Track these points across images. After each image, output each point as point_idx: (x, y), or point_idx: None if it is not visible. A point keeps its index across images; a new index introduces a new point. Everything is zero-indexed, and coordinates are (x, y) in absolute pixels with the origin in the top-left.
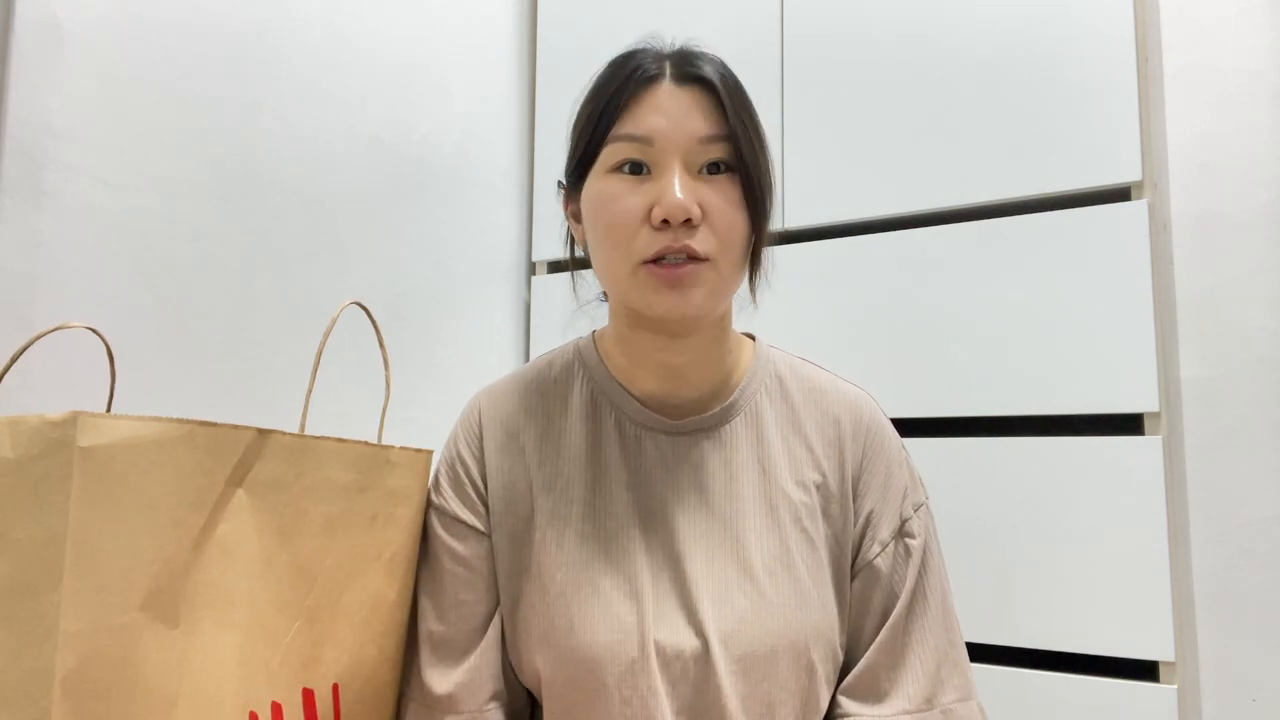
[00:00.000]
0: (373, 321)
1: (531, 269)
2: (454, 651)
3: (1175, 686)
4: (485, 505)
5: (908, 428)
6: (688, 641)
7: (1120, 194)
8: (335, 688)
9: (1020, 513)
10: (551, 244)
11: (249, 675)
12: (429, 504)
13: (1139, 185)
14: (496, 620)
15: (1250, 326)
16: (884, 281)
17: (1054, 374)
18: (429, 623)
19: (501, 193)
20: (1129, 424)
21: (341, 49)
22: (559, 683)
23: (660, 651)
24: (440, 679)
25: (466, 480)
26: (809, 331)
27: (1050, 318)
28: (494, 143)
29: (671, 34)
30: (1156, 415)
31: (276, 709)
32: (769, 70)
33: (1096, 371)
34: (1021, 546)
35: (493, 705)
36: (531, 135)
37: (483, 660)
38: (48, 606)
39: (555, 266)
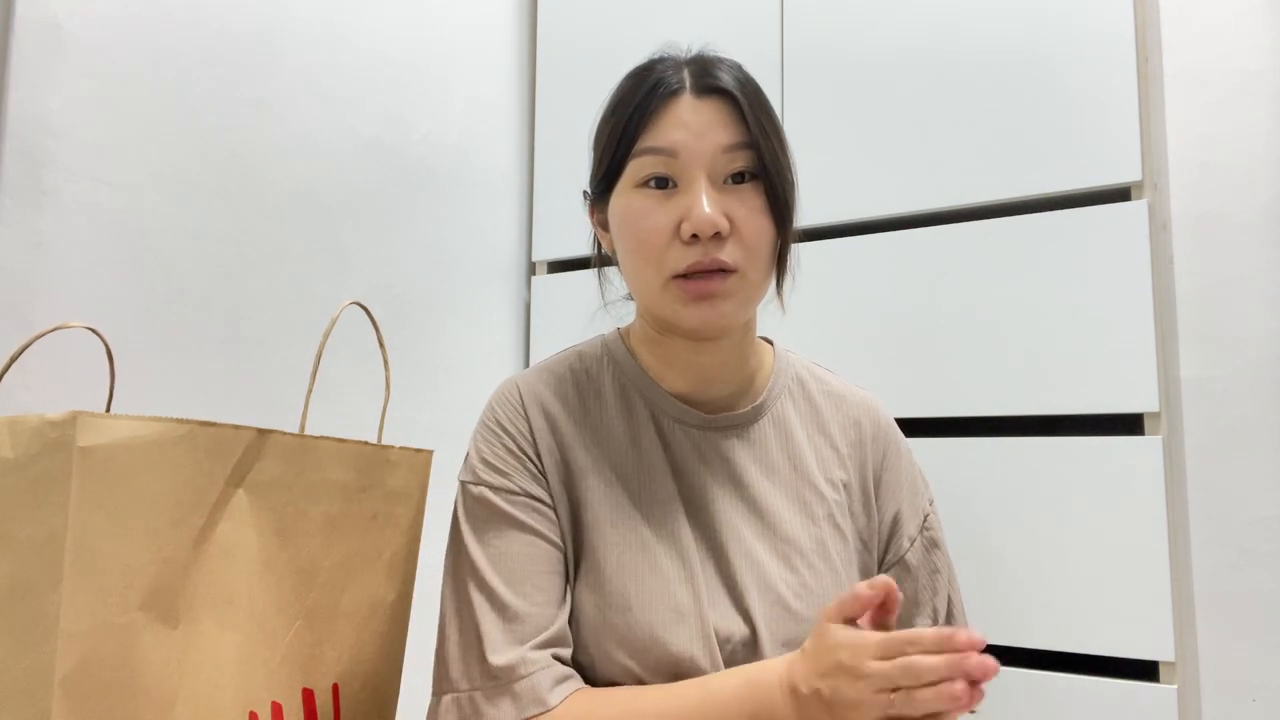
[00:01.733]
0: (373, 321)
1: (531, 269)
2: (531, 625)
3: (1175, 686)
4: (545, 478)
5: (908, 427)
6: (737, 627)
7: (1120, 194)
8: (335, 688)
9: (1020, 513)
10: (552, 244)
11: (249, 675)
12: (484, 486)
13: (1139, 185)
14: (569, 594)
15: (1250, 326)
16: (883, 282)
17: (1054, 374)
18: (503, 597)
19: (501, 193)
20: (1129, 424)
21: (341, 49)
22: (622, 659)
23: (715, 633)
24: (512, 649)
25: (523, 455)
26: (808, 331)
27: (1050, 318)
28: (494, 143)
29: (673, 35)
30: (1156, 415)
31: (276, 709)
32: (769, 71)
33: (1096, 371)
34: (1021, 546)
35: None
36: (531, 135)
37: (556, 636)
38: (48, 606)
39: (555, 266)
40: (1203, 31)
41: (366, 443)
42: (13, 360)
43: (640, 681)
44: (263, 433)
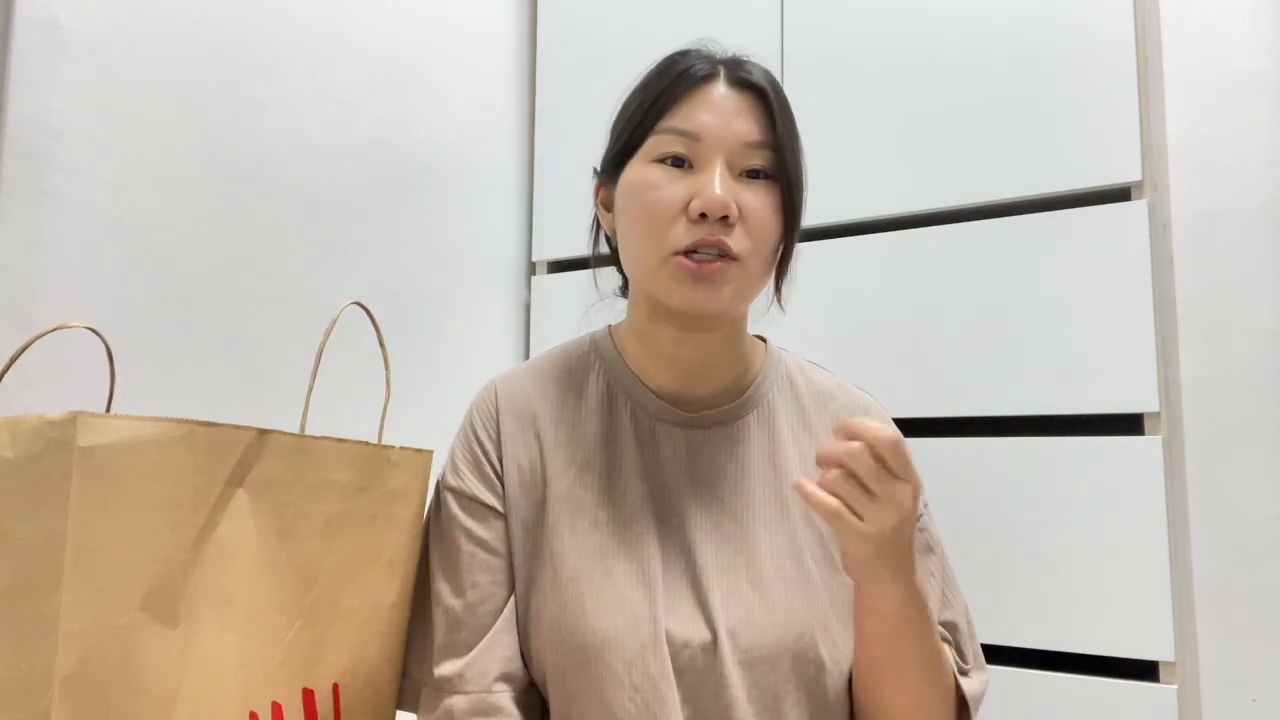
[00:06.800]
0: (373, 321)
1: (531, 269)
2: (469, 632)
3: (1175, 686)
4: (502, 485)
5: (907, 428)
6: (696, 632)
7: (1120, 194)
8: (335, 688)
9: (1020, 513)
10: (552, 244)
11: (249, 675)
12: (444, 487)
13: (1139, 185)
14: (512, 603)
15: (1250, 326)
16: (884, 282)
17: (1054, 374)
18: (446, 600)
19: (501, 193)
20: (1129, 424)
21: (341, 49)
22: (570, 668)
23: (670, 639)
24: (451, 659)
25: (484, 460)
26: (807, 331)
27: (1050, 318)
28: (494, 143)
29: (673, 35)
30: (1156, 415)
31: (276, 709)
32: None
33: (1096, 371)
34: (1022, 546)
35: (501, 687)
36: (531, 135)
37: (495, 642)
38: (48, 606)
39: (555, 266)
40: (1203, 31)
41: (366, 443)
42: (13, 360)
43: (592, 683)
44: (263, 433)
